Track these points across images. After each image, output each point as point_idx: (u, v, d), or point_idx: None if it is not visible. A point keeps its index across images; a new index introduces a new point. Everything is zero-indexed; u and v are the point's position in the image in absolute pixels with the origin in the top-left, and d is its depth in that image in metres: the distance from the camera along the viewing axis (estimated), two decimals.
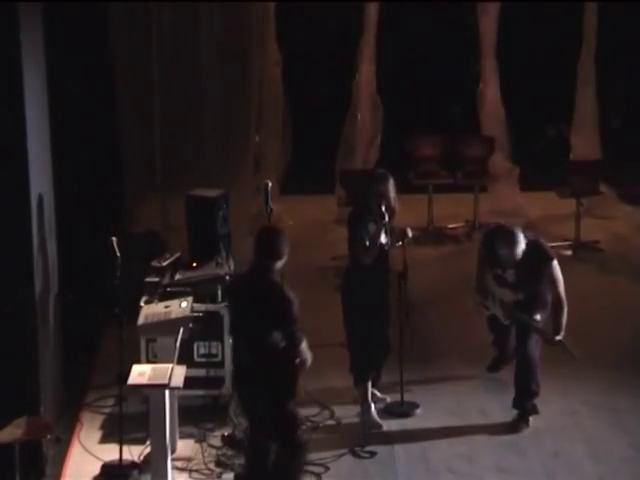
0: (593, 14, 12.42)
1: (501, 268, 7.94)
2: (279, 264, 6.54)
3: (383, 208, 7.81)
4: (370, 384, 8.06)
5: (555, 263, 7.81)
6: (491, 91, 12.68)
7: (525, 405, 8.02)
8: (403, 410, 8.18)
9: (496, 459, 7.58)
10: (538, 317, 7.93)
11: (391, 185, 7.95)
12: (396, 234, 8.04)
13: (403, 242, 8.02)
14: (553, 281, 7.79)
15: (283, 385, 6.61)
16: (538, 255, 7.80)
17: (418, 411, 8.20)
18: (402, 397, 8.21)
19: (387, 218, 7.80)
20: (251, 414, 6.82)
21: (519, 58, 12.89)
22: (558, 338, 7.76)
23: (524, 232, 7.84)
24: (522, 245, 7.71)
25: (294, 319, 6.45)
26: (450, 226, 12.21)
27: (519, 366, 8.05)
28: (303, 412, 8.10)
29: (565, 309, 7.79)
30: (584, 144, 12.69)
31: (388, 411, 8.18)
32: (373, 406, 8.04)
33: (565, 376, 8.69)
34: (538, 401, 8.24)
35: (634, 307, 10.16)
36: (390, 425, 8.04)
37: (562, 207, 11.96)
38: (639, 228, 12.11)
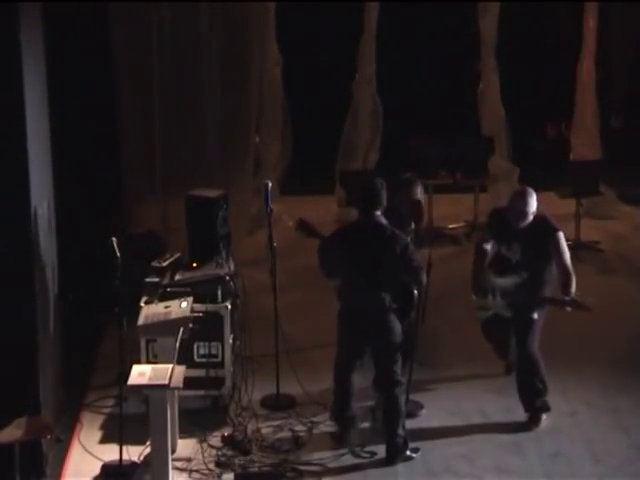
0: (593, 14, 12.42)
1: (508, 240, 7.92)
2: (380, 210, 7.37)
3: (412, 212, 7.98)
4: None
5: (561, 234, 7.87)
6: (491, 91, 12.68)
7: (534, 405, 8.01)
8: (408, 410, 8.19)
9: (496, 459, 7.59)
10: (535, 316, 7.94)
11: (419, 188, 8.04)
12: (423, 236, 8.11)
13: (431, 244, 8.12)
14: (559, 252, 7.84)
15: (404, 314, 7.51)
16: (544, 226, 7.87)
17: (423, 411, 8.22)
18: (407, 396, 8.22)
19: (413, 225, 7.92)
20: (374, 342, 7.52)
21: (519, 58, 12.90)
22: (568, 299, 7.80)
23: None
24: (534, 203, 7.81)
25: (409, 255, 7.30)
26: (450, 226, 12.22)
27: (520, 365, 8.05)
28: (303, 412, 8.15)
29: (573, 278, 7.83)
30: (584, 144, 12.70)
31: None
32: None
33: (565, 376, 8.69)
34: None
35: (634, 307, 10.17)
36: None
37: (562, 207, 11.95)
38: (638, 228, 12.11)
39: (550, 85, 13.03)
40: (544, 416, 8.01)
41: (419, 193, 8.05)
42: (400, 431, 7.53)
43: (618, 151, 12.53)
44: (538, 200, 7.90)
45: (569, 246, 11.30)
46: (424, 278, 7.43)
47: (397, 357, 7.51)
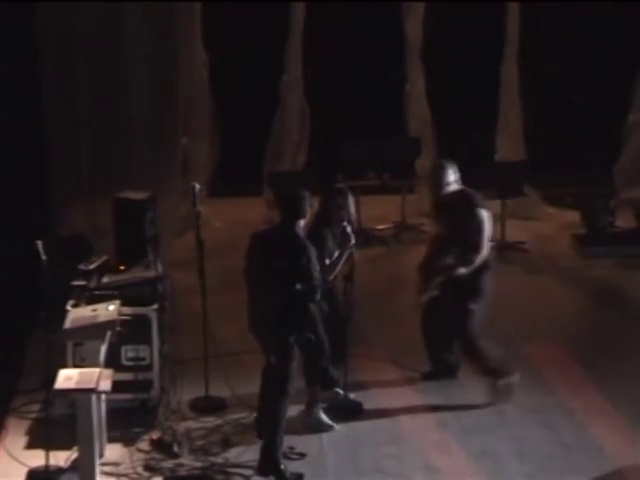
0: (515, 15, 12.53)
1: (436, 214, 8.19)
2: (302, 223, 7.38)
3: (349, 229, 7.99)
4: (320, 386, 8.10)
5: (482, 211, 7.99)
6: (417, 92, 12.75)
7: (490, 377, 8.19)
8: (346, 408, 8.23)
9: (424, 458, 7.65)
10: (473, 306, 8.03)
11: (351, 199, 8.10)
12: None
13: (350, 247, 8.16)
14: (477, 227, 7.94)
15: (294, 325, 7.36)
16: (466, 201, 8.04)
17: (361, 409, 8.25)
18: (345, 395, 8.26)
19: (353, 241, 7.94)
20: (267, 348, 7.51)
21: (445, 59, 12.97)
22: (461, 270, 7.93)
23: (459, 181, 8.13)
24: (450, 172, 8.05)
25: (310, 271, 7.21)
26: (378, 227, 12.27)
27: (467, 355, 8.21)
28: (233, 415, 8.13)
29: (478, 255, 7.94)
30: (508, 146, 12.83)
31: (331, 409, 8.19)
32: (320, 407, 8.09)
33: None
34: (465, 400, 8.33)
35: (559, 307, 10.31)
36: None
37: (488, 208, 12.06)
38: (562, 229, 12.29)
39: (475, 86, 13.14)
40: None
41: (352, 204, 8.16)
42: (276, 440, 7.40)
43: (541, 153, 12.67)
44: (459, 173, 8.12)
45: (495, 246, 11.55)
46: (317, 296, 7.31)
47: (285, 369, 7.36)
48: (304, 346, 7.51)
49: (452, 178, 8.08)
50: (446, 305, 8.17)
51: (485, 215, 8.02)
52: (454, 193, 8.10)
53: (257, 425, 7.83)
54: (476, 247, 7.95)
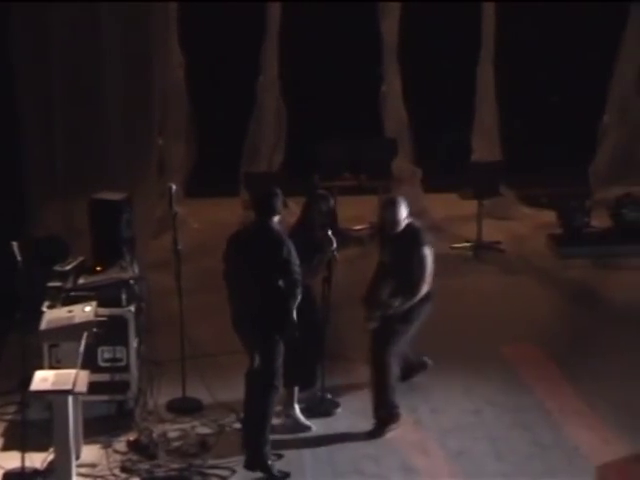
0: (491, 16, 12.57)
1: (382, 244, 8.15)
2: (276, 219, 7.43)
3: (330, 234, 7.95)
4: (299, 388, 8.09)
5: (426, 249, 7.93)
6: (393, 93, 12.77)
7: (378, 414, 7.96)
8: (323, 409, 8.24)
9: (402, 459, 7.66)
10: (399, 327, 7.96)
11: (332, 204, 8.09)
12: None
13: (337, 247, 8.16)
14: (420, 264, 7.89)
15: (278, 320, 7.35)
16: (411, 236, 7.97)
17: (339, 410, 8.27)
18: (323, 396, 8.26)
19: (335, 245, 7.93)
20: (250, 346, 7.45)
21: (421, 60, 13.00)
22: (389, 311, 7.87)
23: (410, 215, 8.05)
24: (403, 209, 7.96)
25: (290, 264, 7.26)
26: (355, 228, 12.29)
27: (374, 371, 8.03)
28: (210, 416, 8.12)
29: (414, 297, 7.89)
30: (485, 146, 12.87)
31: (309, 410, 8.21)
32: (298, 408, 8.09)
33: (467, 375, 8.81)
34: (442, 401, 8.35)
35: (535, 307, 10.34)
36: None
37: (464, 208, 12.12)
38: (538, 229, 12.34)
39: (451, 87, 13.17)
40: (390, 427, 7.95)
41: (334, 210, 8.18)
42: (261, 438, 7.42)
43: (517, 154, 12.72)
44: (417, 207, 8.08)
45: (471, 246, 11.62)
46: (298, 292, 7.29)
47: (272, 365, 7.37)
48: (287, 343, 7.49)
49: (405, 214, 7.99)
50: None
51: (428, 252, 7.94)
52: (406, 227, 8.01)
53: (244, 432, 7.66)
54: (417, 283, 7.90)
